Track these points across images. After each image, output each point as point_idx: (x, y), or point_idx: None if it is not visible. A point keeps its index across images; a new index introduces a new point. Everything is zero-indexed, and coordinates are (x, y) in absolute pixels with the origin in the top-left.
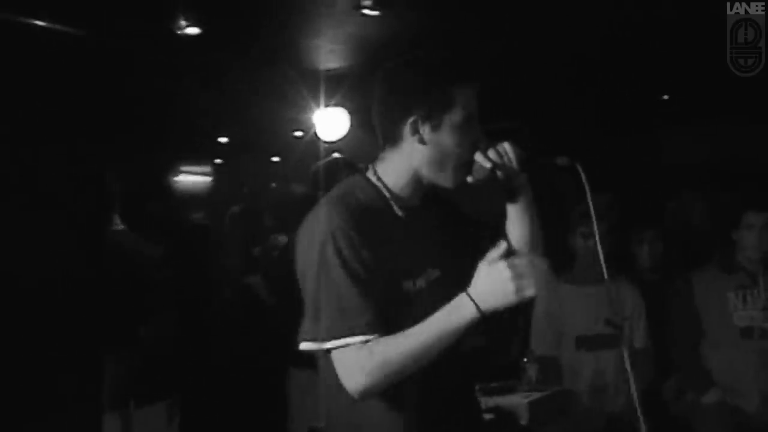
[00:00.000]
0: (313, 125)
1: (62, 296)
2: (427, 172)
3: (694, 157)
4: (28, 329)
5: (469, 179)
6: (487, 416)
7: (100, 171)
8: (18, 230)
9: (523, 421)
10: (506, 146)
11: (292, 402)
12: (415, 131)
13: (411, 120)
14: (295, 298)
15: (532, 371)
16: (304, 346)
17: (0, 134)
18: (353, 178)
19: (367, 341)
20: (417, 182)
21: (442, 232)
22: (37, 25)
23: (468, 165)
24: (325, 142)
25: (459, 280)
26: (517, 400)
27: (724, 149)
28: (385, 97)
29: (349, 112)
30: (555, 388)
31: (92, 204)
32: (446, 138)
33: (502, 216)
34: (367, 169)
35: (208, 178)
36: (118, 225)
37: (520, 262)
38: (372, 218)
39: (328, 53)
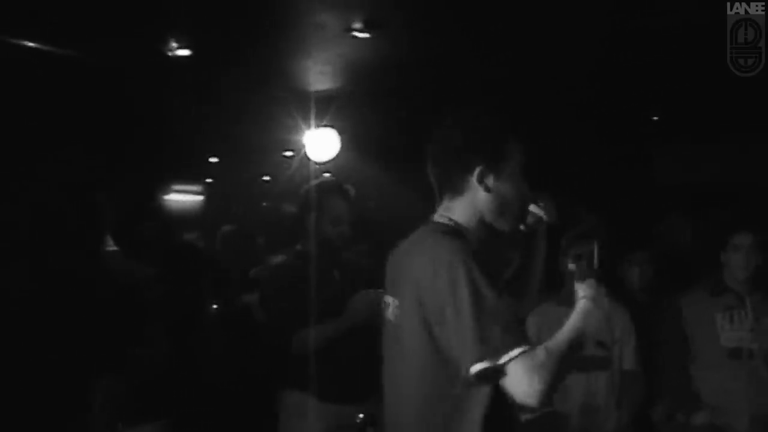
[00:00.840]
0: (303, 146)
1: (52, 317)
2: (490, 217)
3: (683, 178)
4: (16, 350)
5: (522, 227)
6: None
7: (92, 191)
8: (7, 251)
9: None
10: (548, 197)
11: (283, 424)
12: (481, 180)
13: (478, 171)
14: (288, 319)
15: None
16: (478, 367)
17: None
18: (428, 226)
19: (526, 350)
20: (481, 226)
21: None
22: (29, 46)
23: (522, 212)
24: (316, 163)
25: None
26: None
27: (713, 170)
28: (448, 151)
29: (339, 133)
30: (546, 409)
31: (84, 225)
32: (506, 186)
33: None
34: (429, 221)
35: (200, 198)
36: (111, 246)
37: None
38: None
39: (319, 75)
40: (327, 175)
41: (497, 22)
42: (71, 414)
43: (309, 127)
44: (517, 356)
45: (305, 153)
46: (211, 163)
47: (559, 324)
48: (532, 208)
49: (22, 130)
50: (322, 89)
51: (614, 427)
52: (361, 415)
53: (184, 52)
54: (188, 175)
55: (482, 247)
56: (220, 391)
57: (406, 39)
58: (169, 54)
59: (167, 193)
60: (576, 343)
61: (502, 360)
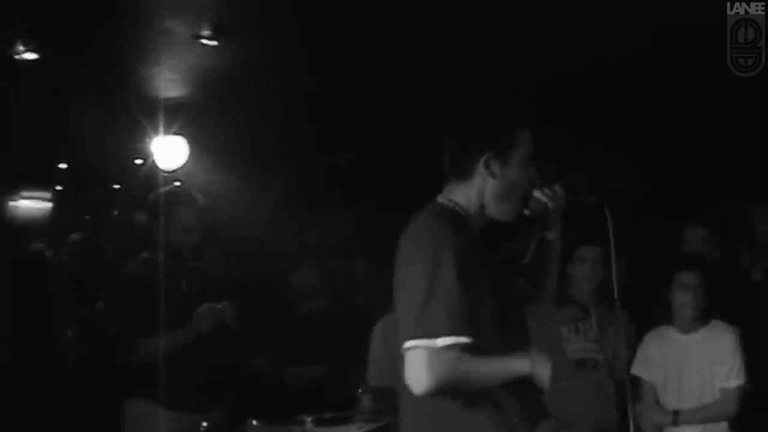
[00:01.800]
0: (152, 153)
1: None
2: (492, 204)
3: None
4: None
5: (527, 212)
6: None
7: None
8: None
9: None
10: (557, 185)
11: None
12: (488, 166)
13: (485, 157)
14: (133, 327)
15: (366, 402)
16: (412, 343)
17: None
18: (430, 205)
19: (468, 344)
20: (482, 213)
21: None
22: None
23: (525, 199)
24: (165, 171)
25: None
26: (351, 431)
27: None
28: (458, 138)
29: (188, 141)
30: (389, 419)
31: None
32: (513, 173)
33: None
34: (434, 200)
35: (49, 205)
36: None
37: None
38: (464, 234)
39: (168, 82)
40: (177, 183)
41: (345, 30)
42: None
43: (158, 134)
44: (448, 345)
45: (154, 160)
46: (60, 169)
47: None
48: (536, 194)
49: None
50: (172, 96)
51: None
52: (204, 424)
53: (31, 56)
54: (37, 181)
55: (480, 231)
56: (65, 397)
57: (254, 47)
58: (16, 57)
59: (15, 199)
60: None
61: (438, 343)
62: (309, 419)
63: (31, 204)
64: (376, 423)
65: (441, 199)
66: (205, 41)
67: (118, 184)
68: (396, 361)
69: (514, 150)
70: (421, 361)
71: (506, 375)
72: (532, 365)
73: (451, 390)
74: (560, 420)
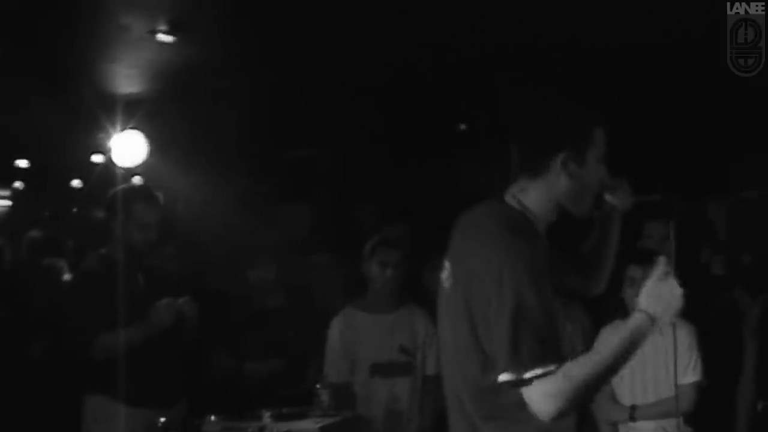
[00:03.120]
0: (110, 149)
1: None
2: (566, 203)
3: (489, 188)
4: None
5: (597, 214)
6: None
7: None
8: None
9: None
10: (626, 184)
11: (86, 428)
12: (565, 166)
13: (562, 156)
14: (90, 323)
15: (324, 397)
16: (504, 377)
17: None
18: (498, 206)
19: (550, 371)
20: (552, 212)
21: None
22: None
23: (597, 199)
24: (122, 167)
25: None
26: (309, 426)
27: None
28: (534, 134)
29: (147, 137)
30: (347, 414)
31: None
32: (588, 173)
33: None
34: (502, 197)
35: (7, 202)
36: None
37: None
38: (534, 248)
39: (125, 78)
40: (137, 179)
41: (300, 27)
42: None
43: (116, 130)
44: (539, 376)
45: (111, 157)
46: (18, 167)
47: (363, 331)
48: (608, 197)
49: None
50: (129, 92)
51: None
52: (162, 419)
53: None
54: None
55: (547, 233)
56: (24, 394)
57: (211, 42)
58: None
59: None
60: (622, 361)
61: (526, 375)
62: (267, 414)
63: None
64: (334, 418)
65: (509, 199)
66: (161, 37)
67: (76, 180)
68: (352, 357)
69: (590, 149)
70: (534, 394)
71: (630, 344)
72: (648, 319)
73: (582, 400)
74: None
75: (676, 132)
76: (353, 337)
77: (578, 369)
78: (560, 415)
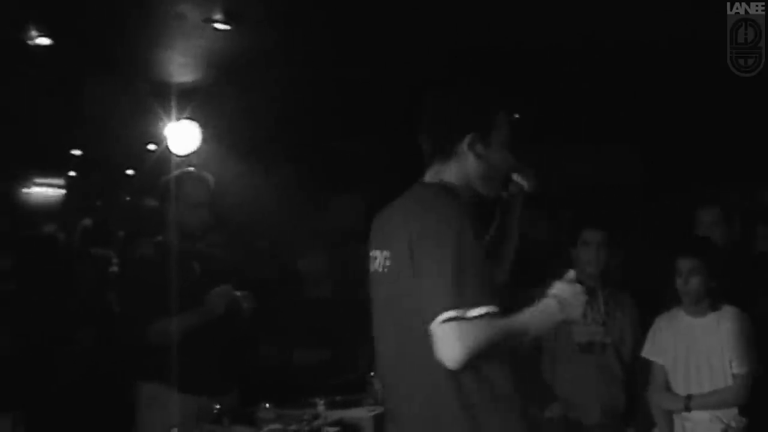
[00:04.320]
0: (165, 138)
1: None
2: (477, 183)
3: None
4: None
5: (504, 194)
6: (332, 429)
7: None
8: None
9: None
10: (530, 169)
11: (140, 415)
12: (472, 147)
13: (469, 138)
14: (146, 310)
15: (378, 385)
16: (450, 314)
17: None
18: (422, 186)
19: (497, 312)
20: (469, 190)
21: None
22: None
23: (505, 180)
24: (177, 156)
25: None
26: (362, 414)
27: (565, 169)
28: (441, 119)
29: (201, 126)
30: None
31: None
32: (494, 154)
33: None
34: (423, 182)
35: (62, 191)
36: None
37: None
38: (467, 209)
39: (180, 66)
40: (189, 168)
41: (357, 16)
42: None
43: (171, 119)
44: (483, 314)
45: (167, 146)
46: (73, 155)
47: None
48: (515, 177)
49: None
50: (184, 81)
51: None
52: (218, 407)
53: (45, 41)
54: (50, 167)
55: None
56: (76, 382)
57: (266, 31)
58: (29, 43)
59: (29, 185)
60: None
61: (471, 313)
62: (321, 402)
63: (43, 190)
64: None
65: (429, 179)
66: (217, 25)
67: (130, 169)
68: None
69: (496, 131)
70: (452, 334)
71: (537, 324)
72: (558, 305)
73: (481, 355)
74: (568, 402)
75: (728, 121)
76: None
77: (499, 322)
78: (464, 361)
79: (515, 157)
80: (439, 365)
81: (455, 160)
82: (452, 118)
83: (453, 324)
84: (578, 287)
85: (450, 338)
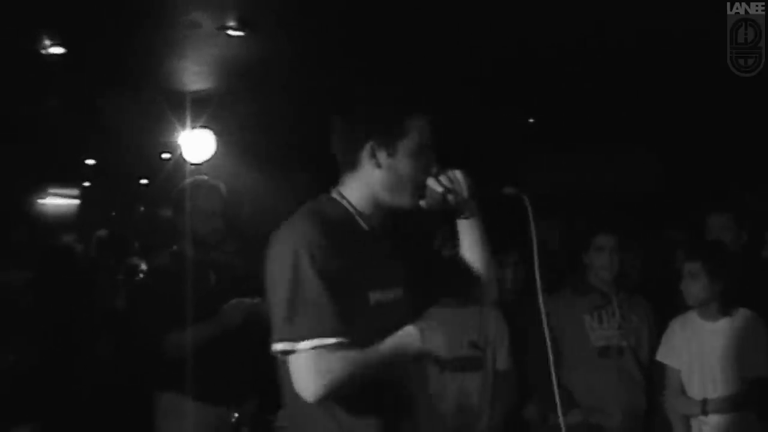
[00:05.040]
0: (179, 147)
1: None
2: (383, 194)
3: (551, 185)
4: None
5: (422, 203)
6: None
7: None
8: None
9: None
10: (457, 173)
11: (158, 425)
12: (372, 156)
13: (368, 146)
14: (162, 321)
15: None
16: (279, 347)
17: None
18: (320, 198)
19: (336, 344)
20: (377, 203)
21: (405, 255)
22: None
23: (422, 189)
24: (192, 164)
25: (418, 302)
26: None
27: (578, 176)
28: (344, 126)
29: (215, 134)
30: None
31: None
32: (400, 163)
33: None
34: (329, 191)
35: (77, 201)
36: None
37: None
38: (342, 231)
39: (194, 75)
40: (203, 176)
41: (371, 22)
42: None
43: (185, 128)
44: (314, 347)
45: (181, 154)
46: (87, 165)
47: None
48: (430, 182)
49: None
50: (198, 89)
51: (487, 427)
52: (236, 415)
53: (58, 50)
54: (64, 177)
55: (373, 225)
56: (95, 392)
57: (280, 37)
58: (42, 52)
59: (43, 196)
60: (385, 366)
61: (300, 345)
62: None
63: (58, 201)
64: None
65: (333, 192)
66: (230, 32)
67: (144, 179)
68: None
69: (402, 139)
70: (303, 367)
71: (393, 355)
72: (420, 337)
73: (341, 388)
74: (588, 408)
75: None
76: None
77: (344, 355)
78: (320, 397)
79: (436, 165)
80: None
81: (359, 171)
82: (351, 128)
83: (299, 356)
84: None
85: (302, 370)
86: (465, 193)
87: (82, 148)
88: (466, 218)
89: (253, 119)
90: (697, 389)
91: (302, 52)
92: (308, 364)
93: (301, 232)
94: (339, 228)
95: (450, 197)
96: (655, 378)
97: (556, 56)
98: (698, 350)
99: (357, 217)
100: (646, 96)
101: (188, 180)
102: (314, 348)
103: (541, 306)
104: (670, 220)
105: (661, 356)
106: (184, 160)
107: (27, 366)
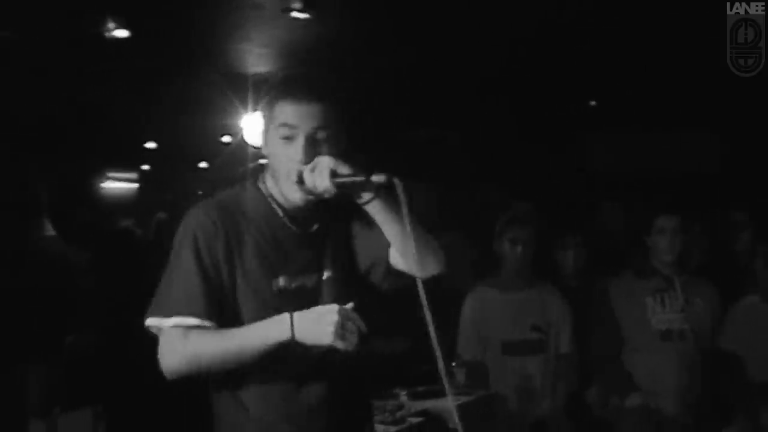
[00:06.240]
0: (241, 130)
1: None
2: (279, 182)
3: (613, 165)
4: None
5: (299, 195)
6: (416, 420)
7: (29, 177)
8: None
9: (452, 425)
10: (323, 161)
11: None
12: (265, 144)
13: (262, 131)
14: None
15: (460, 375)
16: (149, 321)
17: None
18: (245, 183)
19: (198, 325)
20: (291, 193)
21: (331, 241)
22: None
23: (294, 179)
24: (254, 147)
25: (350, 287)
26: (446, 404)
27: (641, 157)
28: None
29: None
30: (482, 392)
31: (18, 211)
32: (272, 149)
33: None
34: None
35: (136, 185)
36: (50, 231)
37: (350, 316)
38: (249, 218)
39: (257, 57)
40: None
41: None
42: (6, 399)
43: (247, 110)
44: (175, 325)
45: (243, 137)
46: (147, 149)
47: (495, 309)
48: (305, 178)
49: None
50: (261, 71)
51: (549, 410)
52: None
53: (122, 33)
54: (125, 161)
55: (292, 213)
56: (157, 375)
57: (343, 19)
58: (106, 36)
59: (104, 179)
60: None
61: (165, 322)
62: (404, 393)
63: (118, 184)
64: (470, 396)
65: (259, 179)
66: (295, 14)
67: (203, 161)
68: (484, 335)
69: (271, 125)
70: (164, 343)
71: (255, 341)
72: (289, 327)
73: (196, 370)
74: (648, 392)
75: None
76: (485, 315)
77: (200, 338)
78: (175, 375)
79: (308, 154)
80: None
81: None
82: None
83: (167, 332)
84: (333, 316)
85: (163, 347)
86: (327, 183)
87: (142, 132)
88: (366, 203)
89: None
90: (757, 373)
91: (364, 33)
92: (168, 341)
93: (194, 216)
94: (247, 215)
95: (314, 188)
96: (716, 363)
97: (619, 39)
98: (760, 335)
99: (273, 205)
100: (709, 76)
101: (253, 164)
102: (175, 327)
103: None
104: (733, 201)
105: (722, 341)
106: (246, 143)
107: (85, 347)
